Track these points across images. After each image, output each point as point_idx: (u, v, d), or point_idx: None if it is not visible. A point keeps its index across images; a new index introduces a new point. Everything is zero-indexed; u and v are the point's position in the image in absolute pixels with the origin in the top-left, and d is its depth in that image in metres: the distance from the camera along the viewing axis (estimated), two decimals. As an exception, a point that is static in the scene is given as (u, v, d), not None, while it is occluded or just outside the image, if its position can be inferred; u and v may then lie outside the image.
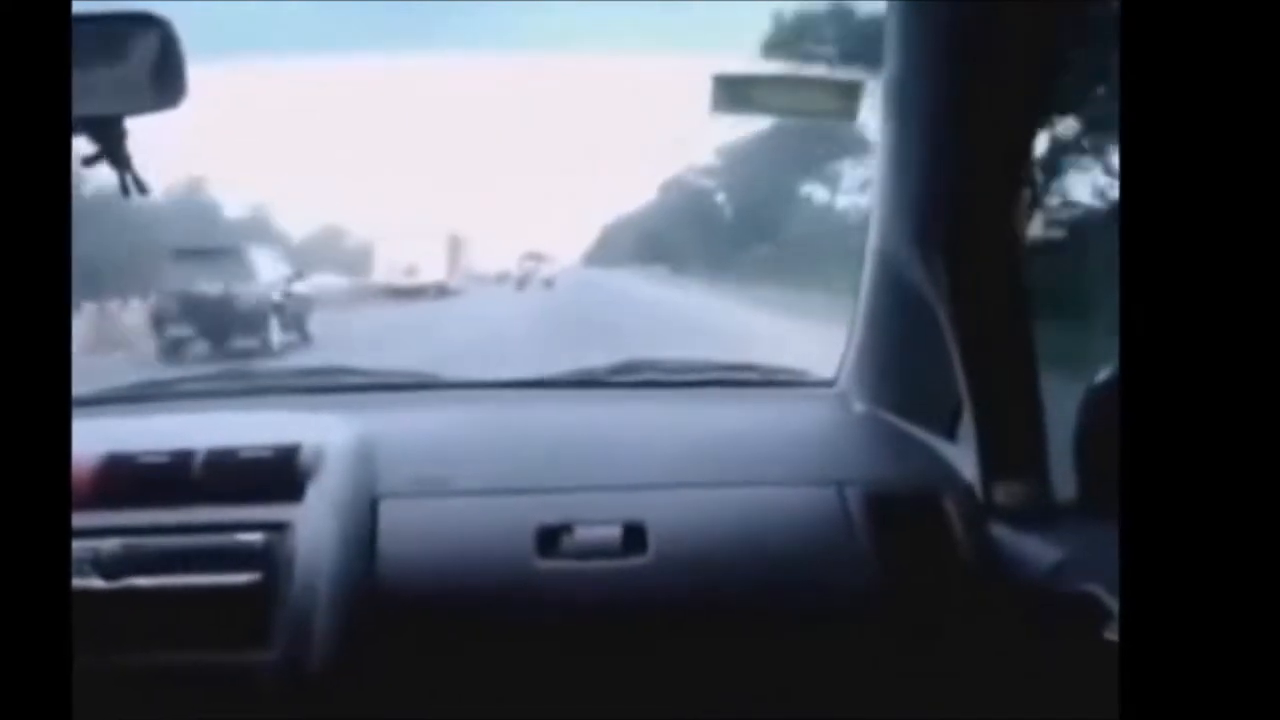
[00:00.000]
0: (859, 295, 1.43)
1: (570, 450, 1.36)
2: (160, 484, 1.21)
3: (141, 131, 1.03)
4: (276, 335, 8.54)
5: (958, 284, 1.20)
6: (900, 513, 1.25)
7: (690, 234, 15.59)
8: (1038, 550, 1.14)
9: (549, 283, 14.87)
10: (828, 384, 1.53)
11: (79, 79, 0.85)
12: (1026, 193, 1.22)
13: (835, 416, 1.45)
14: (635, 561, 1.20)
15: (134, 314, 9.43)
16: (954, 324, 1.21)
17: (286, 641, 1.12)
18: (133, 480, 1.21)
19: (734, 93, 1.46)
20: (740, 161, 14.12)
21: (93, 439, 1.22)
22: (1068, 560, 1.09)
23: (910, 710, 1.17)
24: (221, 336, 8.35)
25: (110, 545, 1.15)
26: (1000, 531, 1.19)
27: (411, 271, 13.10)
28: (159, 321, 8.59)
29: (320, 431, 1.29)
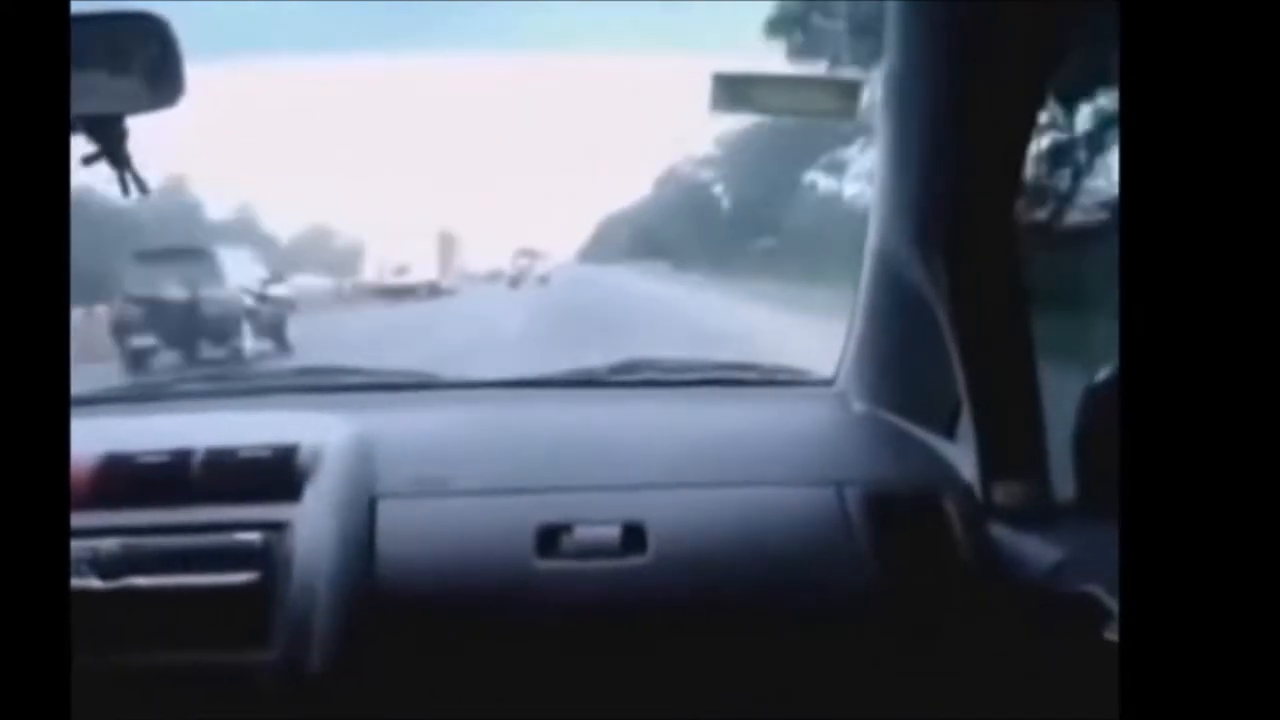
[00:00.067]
0: (858, 294, 1.43)
1: (569, 450, 1.36)
2: (159, 484, 1.21)
3: (133, 131, 1.03)
4: (249, 343, 8.02)
5: (957, 283, 1.20)
6: (900, 512, 1.25)
7: (688, 229, 15.31)
8: (1037, 550, 1.14)
9: (544, 280, 14.65)
10: (827, 383, 1.53)
11: (78, 78, 0.85)
12: (1026, 192, 1.22)
13: (834, 416, 1.45)
14: (635, 561, 1.20)
15: (99, 322, 8.42)
16: (954, 323, 1.21)
17: (285, 641, 1.12)
18: (131, 480, 1.21)
19: (733, 92, 1.46)
20: (739, 152, 13.85)
21: (91, 438, 1.22)
22: (1067, 560, 1.09)
23: (910, 710, 1.17)
24: (189, 345, 7.79)
25: (109, 545, 1.15)
26: (1000, 531, 1.19)
27: (402, 270, 12.89)
28: (121, 330, 7.85)
29: (319, 431, 1.29)
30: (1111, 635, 0.94)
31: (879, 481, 1.28)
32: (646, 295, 12.96)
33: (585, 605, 1.19)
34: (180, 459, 1.22)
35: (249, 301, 8.28)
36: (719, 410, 1.55)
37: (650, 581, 1.19)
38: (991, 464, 1.21)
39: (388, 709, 1.15)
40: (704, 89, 1.43)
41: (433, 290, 13.04)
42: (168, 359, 7.74)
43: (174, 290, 7.84)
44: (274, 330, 8.52)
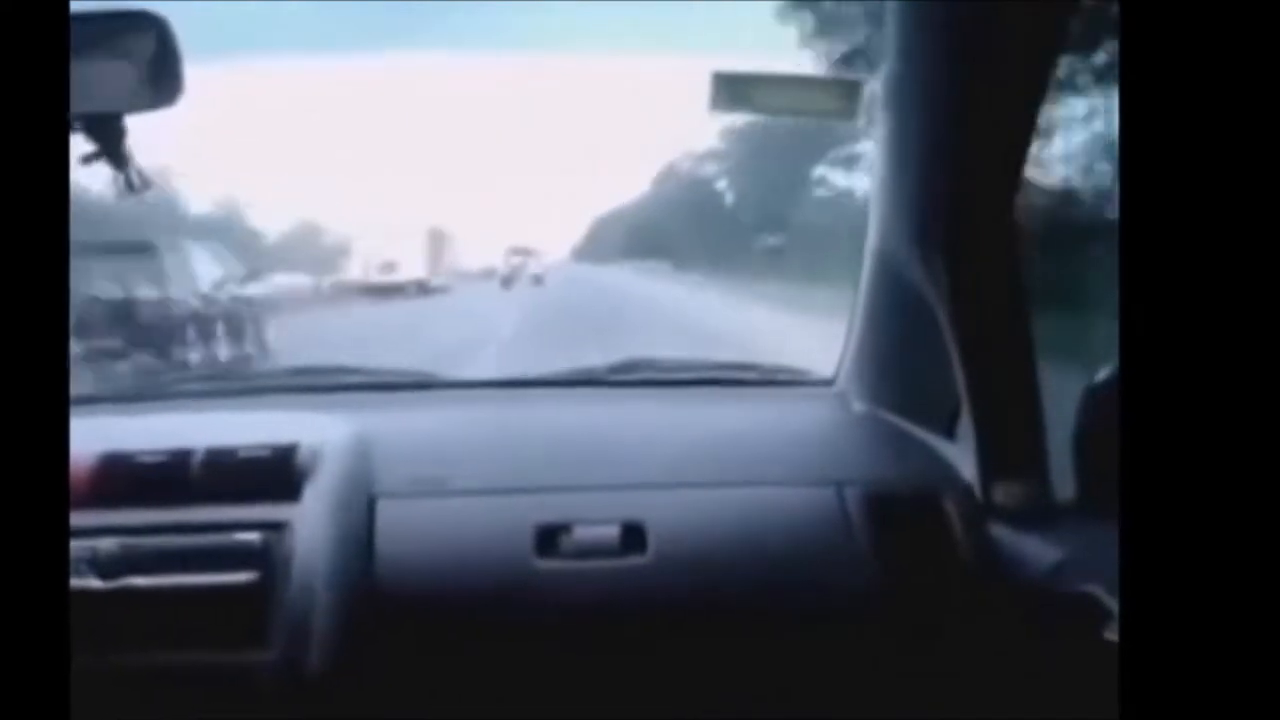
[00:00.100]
0: (858, 294, 1.43)
1: (569, 450, 1.36)
2: (158, 483, 1.21)
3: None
4: (223, 347, 7.21)
5: (958, 283, 1.20)
6: (899, 513, 1.25)
7: (689, 227, 14.93)
8: (1037, 550, 1.13)
9: (538, 279, 14.21)
10: (827, 383, 1.53)
11: (77, 76, 0.85)
12: (1026, 192, 1.22)
13: (834, 416, 1.45)
14: (634, 561, 1.20)
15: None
16: (953, 323, 1.21)
17: (284, 641, 1.12)
18: (130, 480, 1.21)
19: (733, 91, 1.45)
20: (744, 147, 13.34)
21: (90, 438, 1.22)
22: (1067, 560, 1.09)
23: (910, 710, 1.17)
24: (156, 348, 6.72)
25: (108, 545, 1.14)
26: (1000, 531, 1.19)
27: (389, 268, 12.46)
28: (80, 332, 6.65)
29: (318, 431, 1.29)
30: (1111, 635, 0.94)
31: (879, 481, 1.28)
32: (645, 295, 12.70)
33: (584, 605, 1.19)
34: (179, 459, 1.22)
35: (223, 300, 7.42)
36: (718, 410, 1.55)
37: (650, 581, 1.19)
38: (991, 464, 1.21)
39: (387, 709, 1.15)
40: (703, 89, 1.43)
41: (422, 288, 12.65)
42: (133, 363, 6.54)
43: (140, 289, 6.92)
44: (251, 331, 7.63)
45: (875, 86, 1.29)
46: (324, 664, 1.12)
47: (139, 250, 7.21)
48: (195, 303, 7.26)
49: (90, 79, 0.96)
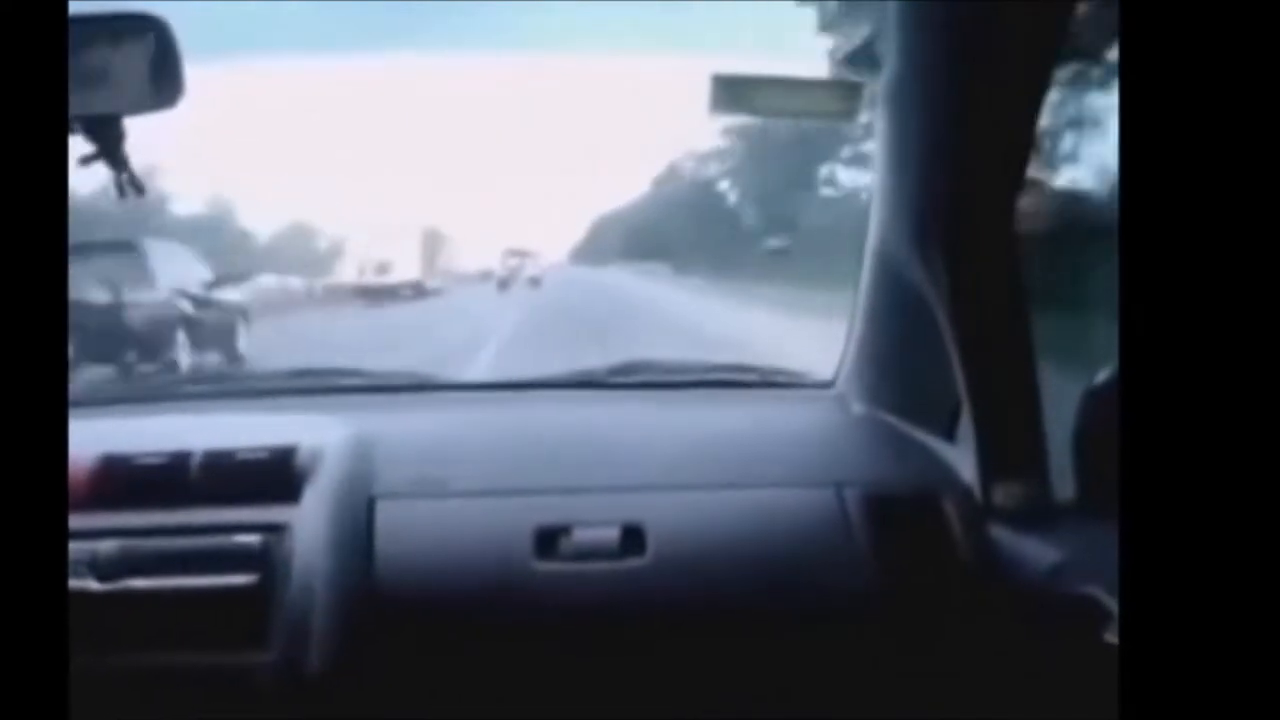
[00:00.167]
0: (857, 295, 1.43)
1: (568, 451, 1.36)
2: (157, 485, 1.21)
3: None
4: (185, 355, 6.65)
5: (957, 284, 1.20)
6: (899, 514, 1.24)
7: (690, 229, 14.68)
8: (1037, 551, 1.13)
9: (535, 281, 13.90)
10: (826, 385, 1.53)
11: (76, 78, 0.85)
12: (1026, 192, 1.22)
13: (834, 417, 1.45)
14: (634, 563, 1.20)
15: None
16: (953, 324, 1.21)
17: (284, 643, 1.12)
18: (129, 482, 1.21)
19: (733, 93, 1.45)
20: (748, 146, 13.19)
21: (89, 440, 1.22)
22: (1067, 561, 1.09)
23: (910, 711, 1.17)
24: (110, 357, 6.12)
25: (107, 547, 1.14)
26: (999, 532, 1.19)
27: (383, 269, 12.16)
28: None
29: (317, 432, 1.29)
30: (1111, 637, 0.94)
31: (878, 483, 1.28)
32: (645, 299, 12.48)
33: (584, 607, 1.19)
34: (178, 461, 1.22)
35: (186, 307, 6.88)
36: (718, 412, 1.55)
37: (649, 583, 1.19)
38: (991, 465, 1.21)
39: (387, 711, 1.15)
40: (703, 89, 1.43)
41: (417, 291, 12.33)
42: (88, 373, 5.97)
43: (93, 292, 6.36)
44: (221, 340, 7.14)
45: (876, 87, 1.29)
46: (324, 665, 1.12)
47: (114, 251, 6.72)
48: (149, 308, 6.72)
49: (90, 81, 0.96)
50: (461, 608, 1.18)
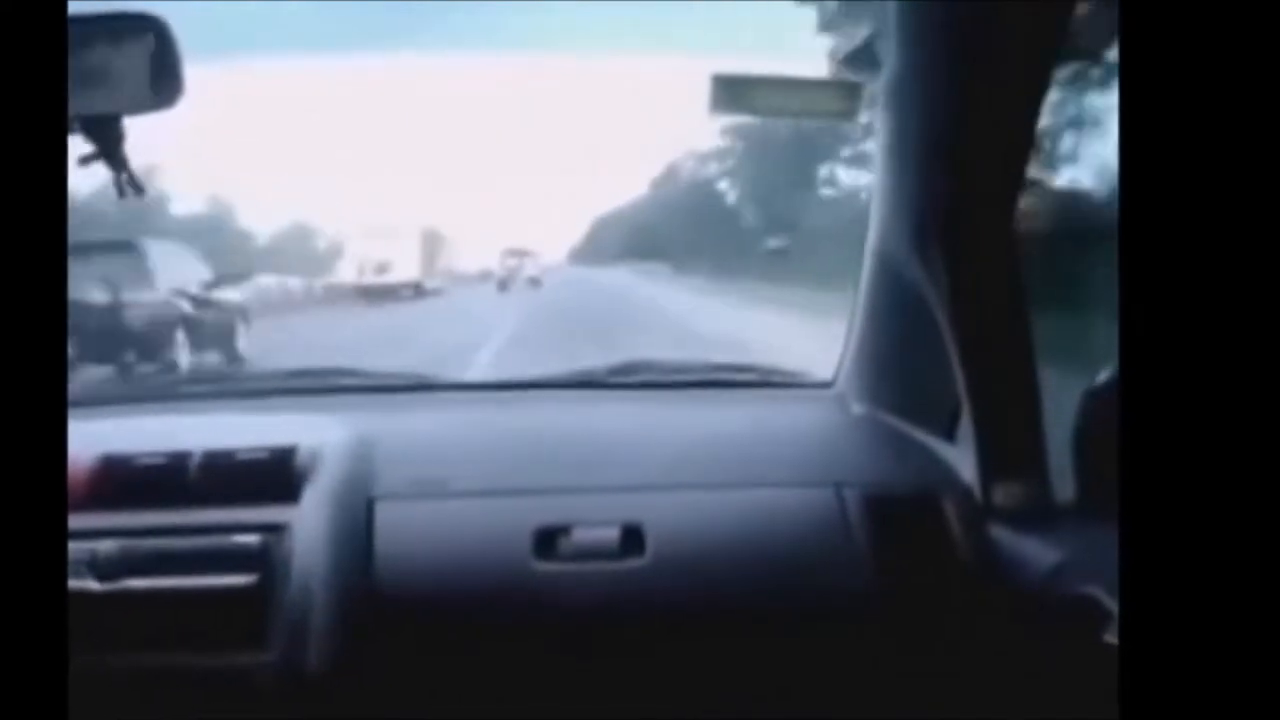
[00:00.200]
0: (857, 295, 1.43)
1: (568, 451, 1.36)
2: (156, 486, 1.21)
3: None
4: (185, 355, 6.60)
5: (957, 284, 1.20)
6: (899, 514, 1.24)
7: (691, 229, 14.45)
8: (1037, 552, 1.13)
9: (535, 282, 13.79)
10: (826, 385, 1.53)
11: (76, 78, 0.85)
12: (1026, 192, 1.22)
13: (833, 417, 1.45)
14: (633, 563, 1.20)
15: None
16: (953, 324, 1.21)
17: (284, 643, 1.12)
18: (129, 482, 1.21)
19: (732, 93, 1.45)
20: (749, 145, 13.05)
21: (89, 440, 1.22)
22: (1067, 562, 1.09)
23: (910, 712, 1.17)
24: (109, 357, 6.11)
25: (106, 547, 1.14)
26: (999, 533, 1.19)
27: (382, 269, 12.06)
28: None
29: (316, 433, 1.29)
30: (1111, 637, 0.94)
31: (878, 483, 1.27)
32: (646, 299, 12.32)
33: (584, 607, 1.19)
34: (178, 461, 1.22)
35: (185, 306, 6.83)
36: (717, 412, 1.55)
37: (649, 583, 1.19)
38: (991, 465, 1.21)
39: (386, 711, 1.15)
40: (704, 89, 1.43)
41: (417, 291, 12.24)
42: (86, 373, 5.91)
43: (94, 292, 6.30)
44: (221, 340, 7.08)
45: (876, 87, 1.29)
46: (323, 666, 1.12)
47: (114, 250, 6.72)
48: (150, 307, 6.71)
49: (90, 80, 0.96)
50: (461, 608, 1.18)
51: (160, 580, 1.14)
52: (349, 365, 1.72)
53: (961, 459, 1.25)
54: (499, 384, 1.71)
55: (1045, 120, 1.17)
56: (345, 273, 12.56)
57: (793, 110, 1.59)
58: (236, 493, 1.20)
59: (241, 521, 1.18)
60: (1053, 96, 1.16)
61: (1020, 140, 1.17)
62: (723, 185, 14.46)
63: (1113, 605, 0.95)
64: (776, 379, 1.66)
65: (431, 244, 13.30)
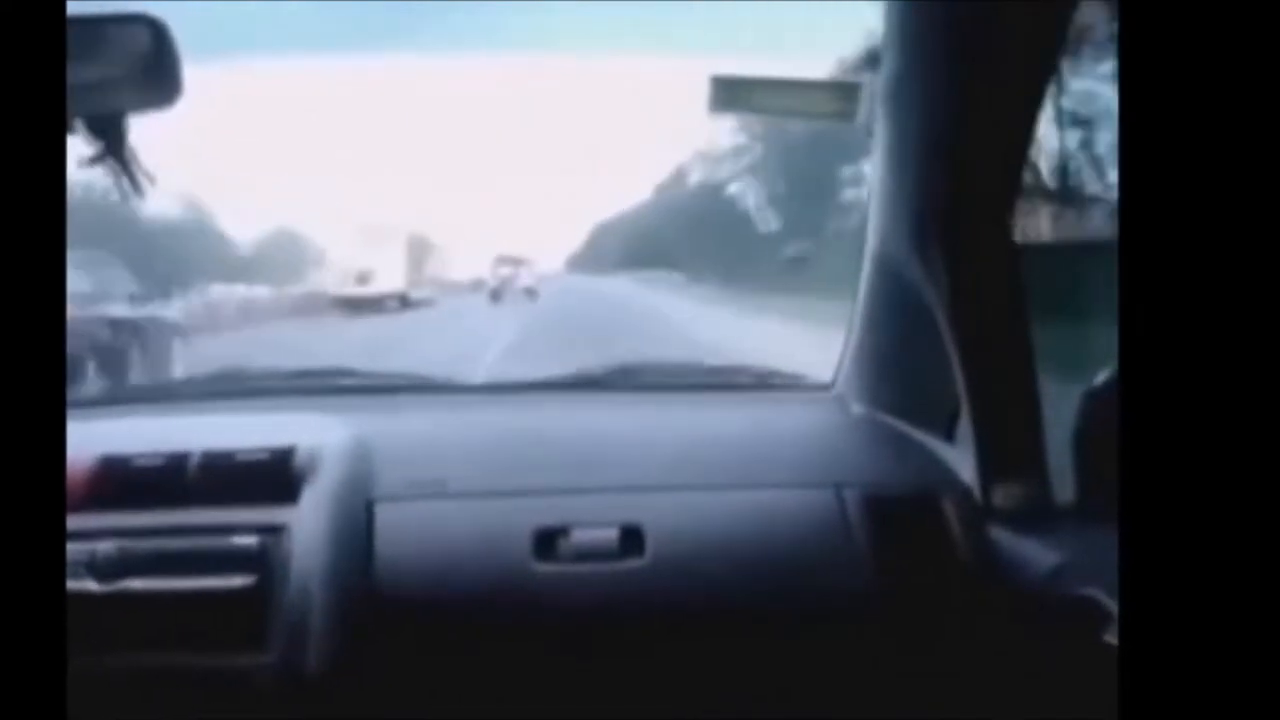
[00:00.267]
0: (857, 297, 1.43)
1: (567, 453, 1.36)
2: (155, 486, 1.20)
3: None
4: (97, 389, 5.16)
5: (957, 285, 1.20)
6: (898, 515, 1.24)
7: (698, 235, 13.93)
8: (1037, 553, 1.13)
9: (531, 292, 12.93)
10: (825, 387, 1.53)
11: (73, 78, 0.85)
12: (1026, 193, 1.22)
13: (833, 419, 1.45)
14: (632, 564, 1.20)
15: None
16: (953, 325, 1.21)
17: (283, 644, 1.12)
18: (128, 483, 1.21)
19: (732, 94, 1.45)
20: (764, 146, 12.58)
21: (88, 441, 1.22)
22: (1067, 563, 1.09)
23: (909, 712, 1.17)
24: None
25: (105, 548, 1.14)
26: (999, 534, 1.19)
27: (364, 278, 11.25)
28: None
29: (316, 434, 1.29)
30: (1111, 638, 0.94)
31: (878, 484, 1.27)
32: (651, 311, 11.61)
33: (583, 608, 1.19)
34: (177, 462, 1.21)
35: (99, 332, 5.75)
36: (717, 413, 1.55)
37: (648, 584, 1.19)
38: (991, 466, 1.21)
39: (386, 712, 1.15)
40: (703, 90, 1.43)
41: (403, 302, 11.41)
42: None
43: None
44: (147, 366, 6.12)
45: (875, 87, 1.29)
46: (322, 667, 1.12)
47: None
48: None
49: (88, 80, 0.96)
50: (461, 609, 1.18)
51: (159, 581, 1.14)
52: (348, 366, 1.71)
53: (961, 460, 1.25)
54: (498, 385, 1.71)
55: (1045, 120, 1.17)
56: (324, 281, 11.77)
57: (791, 111, 1.59)
58: (235, 494, 1.20)
59: (240, 522, 1.18)
60: (1052, 96, 1.17)
61: (1020, 140, 1.17)
62: (735, 189, 13.84)
63: (1113, 606, 0.95)
64: (776, 381, 1.66)
65: (419, 251, 12.57)
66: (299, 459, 1.23)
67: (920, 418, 1.33)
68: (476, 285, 13.73)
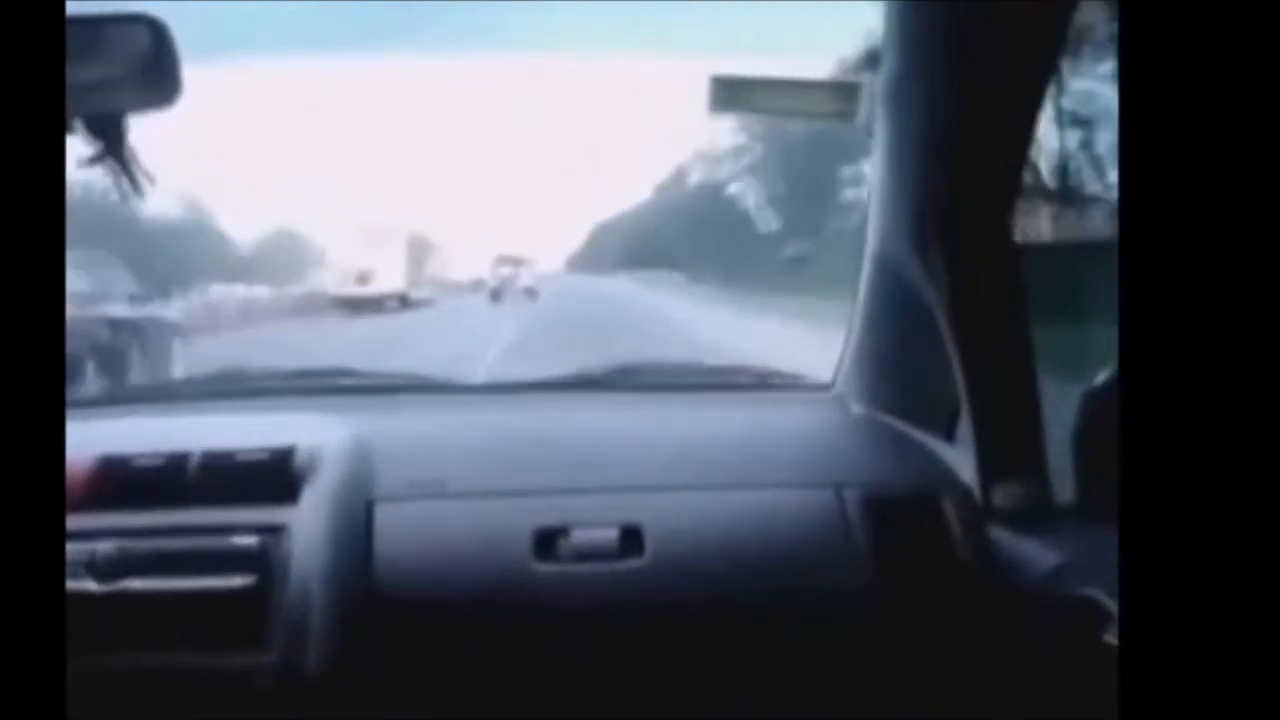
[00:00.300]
0: (857, 297, 1.43)
1: (567, 453, 1.36)
2: (155, 486, 1.20)
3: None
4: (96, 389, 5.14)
5: (957, 284, 1.20)
6: (898, 515, 1.24)
7: (698, 236, 13.92)
8: (1037, 552, 1.13)
9: (531, 293, 12.94)
10: (825, 387, 1.53)
11: (73, 78, 0.85)
12: (1026, 193, 1.22)
13: (833, 419, 1.45)
14: (632, 564, 1.20)
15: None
16: (952, 325, 1.21)
17: (282, 644, 1.12)
18: (127, 483, 1.20)
19: (731, 94, 1.45)
20: (764, 146, 12.57)
21: (87, 441, 1.22)
22: (1067, 563, 1.09)
23: (909, 712, 1.17)
24: None
25: (105, 548, 1.14)
26: (999, 534, 1.19)
27: (364, 278, 11.26)
28: None
29: (315, 433, 1.29)
30: (1111, 638, 0.94)
31: (878, 484, 1.27)
32: (650, 311, 11.58)
33: (583, 608, 1.19)
34: (176, 462, 1.21)
35: (99, 332, 5.72)
36: (716, 413, 1.55)
37: (648, 584, 1.19)
38: (991, 466, 1.21)
39: (386, 712, 1.15)
40: (703, 90, 1.43)
41: (403, 302, 11.42)
42: None
43: None
44: (147, 366, 6.11)
45: (875, 87, 1.29)
46: (322, 667, 1.12)
47: None
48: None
49: (88, 80, 0.96)
50: (460, 609, 1.18)
51: (159, 581, 1.14)
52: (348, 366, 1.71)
53: (961, 460, 1.25)
54: (498, 385, 1.71)
55: (1045, 120, 1.17)
56: (324, 282, 11.79)
57: (791, 111, 1.59)
58: (235, 494, 1.20)
59: (240, 522, 1.18)
60: (1052, 96, 1.17)
61: (1020, 141, 1.17)
62: (735, 189, 13.83)
63: (1113, 606, 0.95)
64: (776, 381, 1.66)
65: (419, 251, 12.59)
66: (299, 459, 1.23)
67: (920, 418, 1.33)
68: (476, 285, 13.79)
